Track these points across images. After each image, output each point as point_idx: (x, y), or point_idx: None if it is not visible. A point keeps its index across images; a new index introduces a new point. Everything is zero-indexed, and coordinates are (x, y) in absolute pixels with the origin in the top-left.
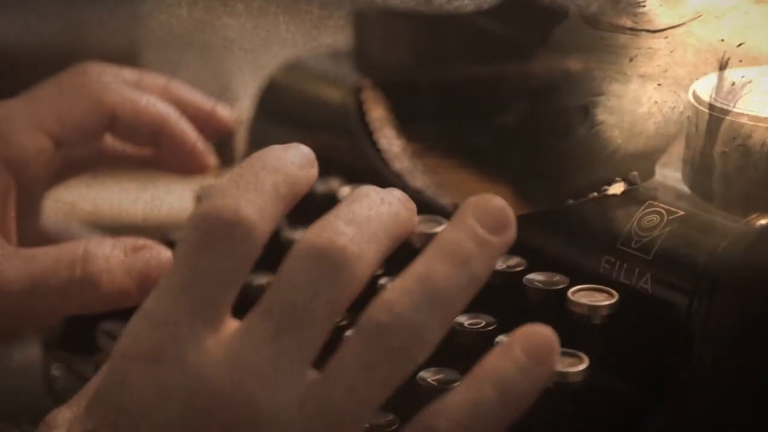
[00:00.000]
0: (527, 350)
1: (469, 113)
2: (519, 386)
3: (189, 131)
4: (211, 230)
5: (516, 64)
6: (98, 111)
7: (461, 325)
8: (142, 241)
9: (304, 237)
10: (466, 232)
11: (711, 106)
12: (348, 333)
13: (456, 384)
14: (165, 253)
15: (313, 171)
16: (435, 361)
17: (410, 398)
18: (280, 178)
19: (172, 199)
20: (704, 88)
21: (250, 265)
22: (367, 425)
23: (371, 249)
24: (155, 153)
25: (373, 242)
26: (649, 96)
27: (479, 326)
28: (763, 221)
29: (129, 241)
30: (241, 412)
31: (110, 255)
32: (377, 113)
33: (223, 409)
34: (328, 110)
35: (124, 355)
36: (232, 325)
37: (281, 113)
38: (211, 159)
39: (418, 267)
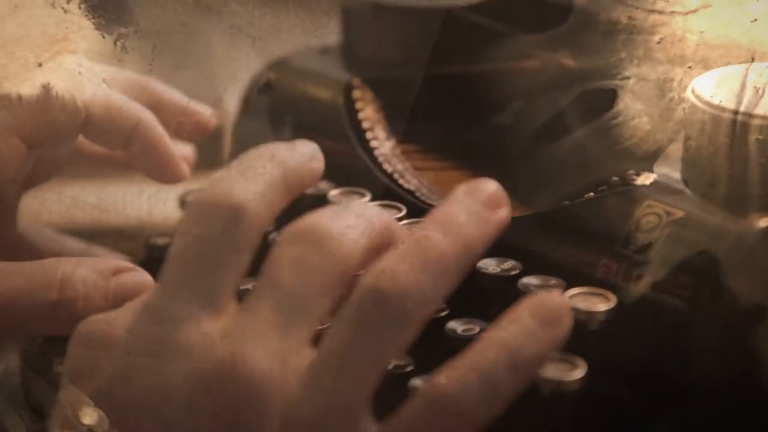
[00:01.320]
0: (537, 315)
1: (463, 112)
2: (528, 351)
3: (162, 137)
4: (212, 216)
5: (510, 60)
6: (71, 113)
7: (455, 331)
8: (122, 264)
9: (292, 223)
10: (460, 205)
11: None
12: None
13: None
14: (144, 277)
15: (319, 165)
16: (429, 365)
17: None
18: (285, 169)
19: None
20: (704, 85)
21: (251, 252)
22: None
23: (358, 230)
24: (129, 155)
25: (360, 227)
26: (680, 80)
27: (474, 332)
28: (763, 223)
29: (108, 264)
30: (247, 391)
31: (88, 278)
32: (367, 112)
33: (229, 391)
34: (317, 109)
35: (127, 351)
36: (230, 309)
37: (268, 112)
38: (184, 167)
39: (414, 235)
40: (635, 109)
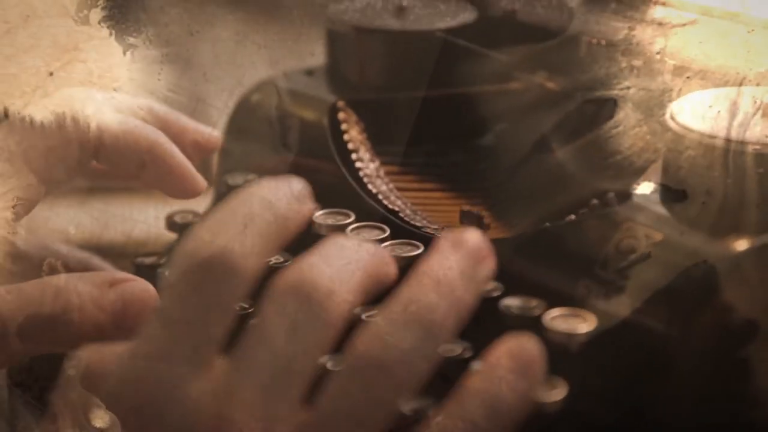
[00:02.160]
0: (513, 367)
1: (446, 133)
2: (507, 403)
3: (177, 155)
4: (199, 271)
5: (494, 82)
6: (83, 146)
7: None
8: (119, 275)
9: (280, 275)
10: (447, 262)
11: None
12: (330, 365)
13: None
14: (144, 286)
15: (308, 206)
16: None
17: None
18: (272, 215)
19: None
20: (682, 109)
21: (237, 304)
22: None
23: (347, 286)
24: (145, 176)
25: (350, 280)
26: (679, 90)
27: (454, 354)
28: (741, 246)
29: (104, 275)
30: None
31: (82, 290)
32: (352, 134)
33: None
34: (302, 131)
35: (136, 355)
36: (221, 363)
37: (253, 134)
38: (202, 180)
39: (403, 298)
40: (634, 120)
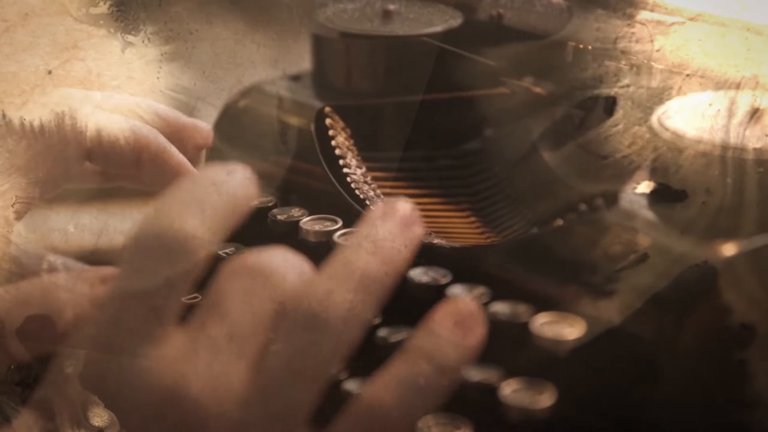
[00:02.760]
0: (455, 323)
1: (433, 139)
2: (450, 358)
3: (174, 153)
4: (153, 247)
5: (480, 86)
6: (78, 146)
7: (385, 339)
8: (109, 271)
9: (232, 259)
10: (382, 227)
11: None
12: None
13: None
14: None
15: (253, 191)
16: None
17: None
18: (219, 198)
19: None
20: (670, 114)
21: (191, 280)
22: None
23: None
24: (137, 174)
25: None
26: (678, 88)
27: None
28: (729, 251)
29: (94, 271)
30: (193, 415)
31: (71, 287)
32: (339, 140)
33: (176, 415)
34: (289, 136)
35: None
36: (176, 333)
37: (240, 139)
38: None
39: (342, 258)
40: (633, 118)
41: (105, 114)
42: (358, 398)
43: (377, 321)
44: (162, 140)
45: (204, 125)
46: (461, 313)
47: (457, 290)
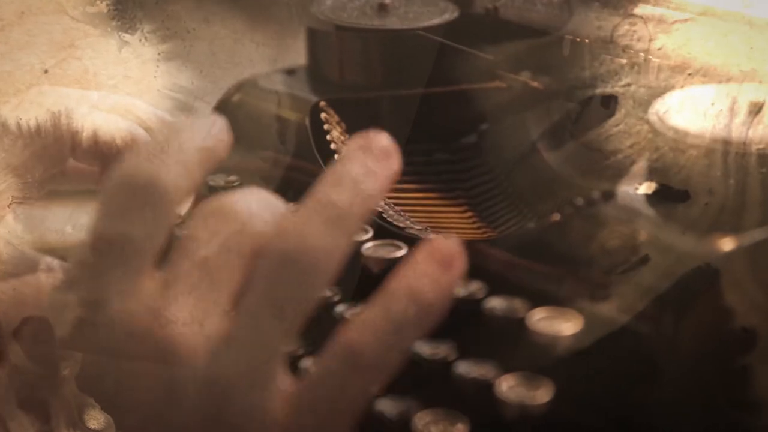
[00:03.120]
0: (435, 261)
1: (428, 133)
2: (431, 295)
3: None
4: (134, 196)
5: (476, 80)
6: (57, 145)
7: (420, 356)
8: None
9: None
10: (355, 161)
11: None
12: None
13: None
14: None
15: (227, 141)
16: (395, 390)
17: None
18: (196, 146)
19: None
20: (667, 107)
21: (167, 226)
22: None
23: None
24: None
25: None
26: (681, 88)
27: (440, 356)
28: (728, 246)
29: None
30: (171, 353)
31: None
32: (334, 134)
33: (153, 353)
34: (284, 131)
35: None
36: (155, 278)
37: (234, 133)
38: None
39: (315, 196)
40: (635, 117)
41: (101, 114)
42: (340, 340)
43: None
44: (145, 136)
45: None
46: (441, 251)
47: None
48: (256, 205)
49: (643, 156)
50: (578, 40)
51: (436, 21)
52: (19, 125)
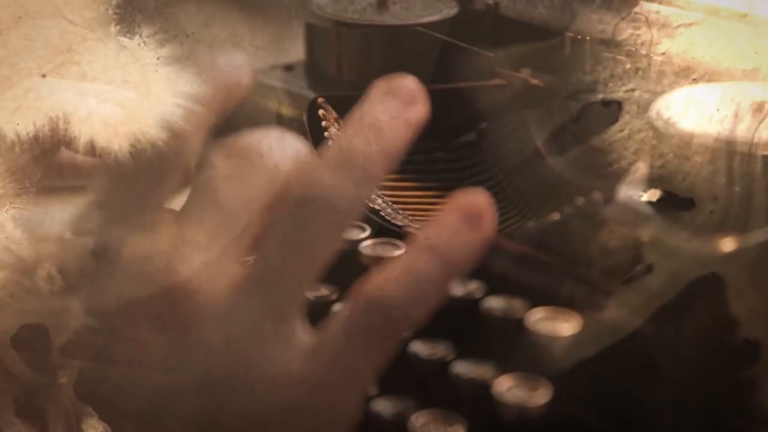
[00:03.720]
0: (463, 217)
1: (428, 131)
2: (457, 251)
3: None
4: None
5: (476, 78)
6: (56, 150)
7: (417, 356)
8: None
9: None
10: (380, 106)
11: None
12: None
13: None
14: None
15: (245, 74)
16: (392, 390)
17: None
18: (211, 83)
19: None
20: (668, 106)
21: (183, 167)
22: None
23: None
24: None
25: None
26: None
27: (437, 356)
28: (729, 246)
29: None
30: (184, 302)
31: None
32: (332, 131)
33: (168, 302)
34: (282, 126)
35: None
36: (170, 219)
37: (232, 128)
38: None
39: (337, 143)
40: (638, 123)
41: (100, 117)
42: (363, 291)
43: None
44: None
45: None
46: (472, 208)
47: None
48: (279, 147)
49: (647, 162)
50: (579, 38)
51: (435, 17)
52: (16, 132)
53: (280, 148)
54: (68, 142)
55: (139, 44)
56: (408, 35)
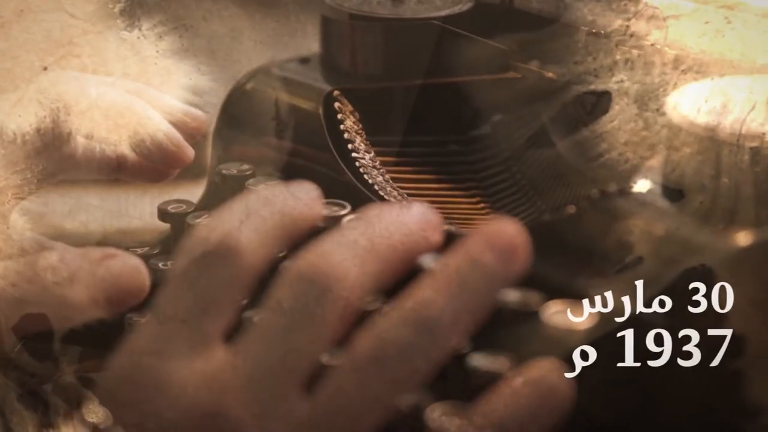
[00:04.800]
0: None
1: (442, 124)
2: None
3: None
4: (209, 258)
5: (490, 71)
6: (58, 142)
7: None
8: (109, 250)
9: (291, 266)
10: (463, 258)
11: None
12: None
13: None
14: (132, 260)
15: (318, 210)
16: None
17: None
18: (269, 212)
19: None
20: (686, 101)
21: (241, 292)
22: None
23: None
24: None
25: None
26: (674, 84)
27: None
28: (744, 241)
29: (95, 251)
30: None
31: (75, 266)
32: (348, 124)
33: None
34: (298, 120)
35: (132, 350)
36: (221, 355)
37: (247, 123)
38: (189, 149)
39: (407, 295)
40: (629, 114)
41: (100, 110)
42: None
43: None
44: (161, 134)
45: (197, 112)
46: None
47: None
48: (346, 267)
49: (638, 155)
50: (593, 30)
51: (450, 11)
52: (18, 124)
53: (349, 269)
54: (69, 134)
55: (138, 37)
56: (423, 28)
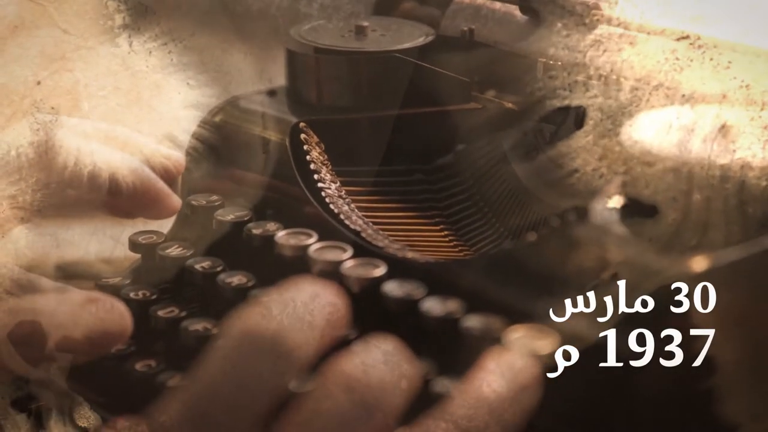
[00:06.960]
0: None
1: (406, 153)
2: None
3: (153, 177)
4: (253, 348)
5: (452, 102)
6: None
7: None
8: (92, 294)
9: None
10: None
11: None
12: None
13: None
14: (116, 305)
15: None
16: None
17: None
18: (329, 316)
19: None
20: (657, 117)
21: (284, 387)
22: None
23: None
24: (115, 201)
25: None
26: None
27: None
28: (701, 266)
29: (77, 295)
30: None
31: (56, 309)
32: (313, 155)
33: None
34: (265, 151)
35: None
36: None
37: (214, 154)
38: (176, 199)
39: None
40: (602, 130)
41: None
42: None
43: (353, 335)
44: (143, 174)
45: (175, 153)
46: (516, 369)
47: (431, 304)
48: (382, 379)
49: (613, 170)
50: (551, 62)
51: (413, 43)
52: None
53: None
54: (61, 147)
55: (129, 53)
56: (386, 61)
